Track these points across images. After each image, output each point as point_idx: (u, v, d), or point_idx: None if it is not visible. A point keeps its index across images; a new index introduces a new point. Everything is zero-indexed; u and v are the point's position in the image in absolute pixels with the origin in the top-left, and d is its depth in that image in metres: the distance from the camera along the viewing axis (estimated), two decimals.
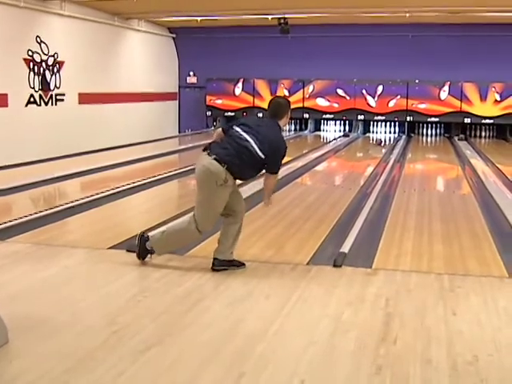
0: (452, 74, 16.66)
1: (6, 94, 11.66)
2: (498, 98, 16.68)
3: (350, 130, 18.05)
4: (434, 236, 6.08)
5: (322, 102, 17.85)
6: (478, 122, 17.07)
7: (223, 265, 4.82)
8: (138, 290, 4.53)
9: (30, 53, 12.31)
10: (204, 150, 4.80)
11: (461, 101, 16.91)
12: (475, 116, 16.89)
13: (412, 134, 17.65)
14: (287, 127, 18.06)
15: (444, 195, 8.83)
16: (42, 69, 12.67)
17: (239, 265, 4.90)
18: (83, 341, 3.51)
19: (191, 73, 19.03)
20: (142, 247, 4.93)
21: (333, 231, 6.22)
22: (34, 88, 12.46)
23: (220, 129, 5.07)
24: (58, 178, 9.29)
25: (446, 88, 16.99)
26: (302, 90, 17.89)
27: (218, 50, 17.84)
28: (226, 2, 14.01)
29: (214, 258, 4.84)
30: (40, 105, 12.68)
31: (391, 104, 17.41)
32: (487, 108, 16.77)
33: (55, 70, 13.12)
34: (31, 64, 12.36)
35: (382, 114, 17.59)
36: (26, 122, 12.17)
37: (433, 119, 17.31)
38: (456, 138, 16.71)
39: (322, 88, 17.80)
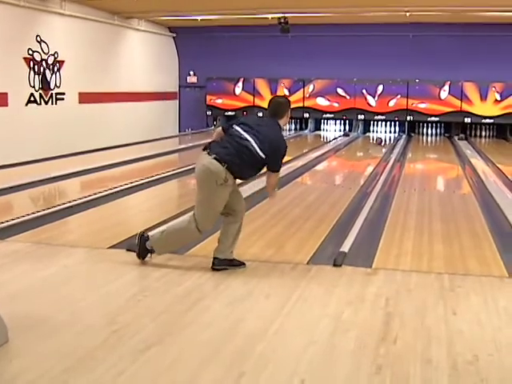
0: (452, 74, 16.66)
1: (6, 93, 11.66)
2: (499, 98, 16.67)
3: (350, 130, 18.05)
4: (435, 236, 6.08)
5: (322, 102, 17.85)
6: (478, 121, 17.06)
7: (223, 264, 4.82)
8: (138, 289, 4.52)
9: (31, 52, 12.31)
10: (204, 150, 4.79)
11: (461, 100, 16.91)
12: (475, 116, 16.88)
13: (412, 134, 17.65)
14: (287, 126, 18.05)
15: (444, 195, 8.82)
16: (42, 68, 12.66)
17: (239, 264, 4.89)
18: (83, 340, 3.51)
19: (191, 72, 19.03)
20: (141, 247, 4.93)
21: (333, 231, 6.22)
22: (34, 87, 12.46)
23: (220, 128, 5.06)
24: (58, 177, 9.28)
25: (447, 87, 16.98)
26: (302, 90, 17.89)
27: (218, 50, 17.84)
28: (227, 2, 14.01)
29: (214, 258, 4.84)
30: (40, 104, 12.68)
31: (391, 103, 17.40)
32: (487, 108, 16.77)
33: (55, 69, 13.12)
34: (31, 63, 12.35)
35: (382, 114, 17.59)
36: (26, 121, 12.17)
37: (433, 119, 17.31)
38: (456, 138, 16.70)
39: (322, 87, 17.80)
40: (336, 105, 17.78)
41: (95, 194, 7.91)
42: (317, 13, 14.97)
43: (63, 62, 13.33)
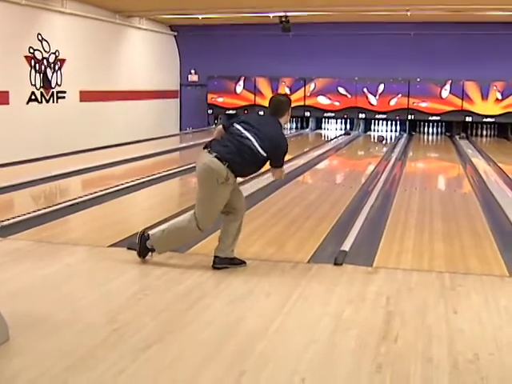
0: (453, 73, 16.64)
1: (7, 92, 11.67)
2: (500, 97, 16.66)
3: (351, 129, 18.05)
4: (435, 234, 6.08)
5: (323, 100, 17.84)
6: (479, 120, 17.05)
7: (224, 263, 4.82)
8: (139, 287, 4.53)
9: (32, 50, 12.32)
10: (205, 148, 4.79)
11: (462, 99, 16.89)
12: (476, 115, 16.87)
13: (413, 133, 17.64)
14: (288, 125, 18.05)
15: (445, 194, 8.82)
16: (43, 66, 12.67)
17: (240, 263, 4.90)
18: (84, 339, 3.51)
19: (192, 71, 19.02)
20: (142, 246, 4.93)
21: (334, 229, 6.22)
22: (35, 85, 12.47)
23: (220, 126, 5.06)
24: (59, 175, 9.28)
25: (448, 86, 16.97)
26: (303, 88, 17.88)
27: (219, 48, 17.84)
28: (228, 0, 14.01)
29: (215, 256, 4.84)
30: (41, 102, 12.69)
31: (392, 102, 17.39)
32: (488, 107, 16.76)
33: (56, 67, 13.13)
34: (32, 61, 12.36)
35: (383, 113, 17.57)
36: (27, 120, 12.18)
37: (434, 118, 17.30)
38: (457, 137, 16.69)
39: (323, 86, 17.80)
40: (337, 103, 17.77)
41: (96, 192, 7.91)
42: (318, 11, 14.96)
43: (64, 60, 13.34)
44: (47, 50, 12.77)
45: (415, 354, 3.33)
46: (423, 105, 17.17)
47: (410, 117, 17.41)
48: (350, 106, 17.67)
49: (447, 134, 17.43)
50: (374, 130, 18.03)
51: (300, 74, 17.77)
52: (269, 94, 16.84)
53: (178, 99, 19.28)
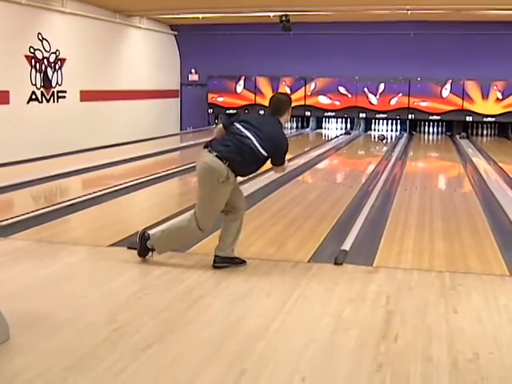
0: (454, 72, 16.64)
1: (7, 91, 11.67)
2: (500, 97, 16.66)
3: (351, 128, 18.05)
4: (435, 234, 6.08)
5: (323, 100, 17.84)
6: (479, 120, 17.05)
7: (224, 262, 4.83)
8: (139, 287, 4.53)
9: (32, 50, 12.32)
10: (205, 148, 4.79)
11: (462, 99, 16.89)
12: (477, 114, 16.87)
13: (414, 132, 17.63)
14: (289, 125, 18.06)
15: (445, 193, 8.82)
16: (43, 66, 12.68)
17: (240, 262, 4.90)
18: (84, 338, 3.52)
19: (193, 70, 19.02)
20: (142, 246, 4.93)
21: (334, 229, 6.22)
22: (35, 85, 12.48)
23: (221, 125, 5.07)
24: (59, 175, 9.28)
25: (448, 86, 16.97)
26: (303, 88, 17.87)
27: (219, 48, 17.84)
28: (228, 0, 14.01)
29: (215, 256, 4.84)
30: (42, 102, 12.69)
31: (393, 102, 17.39)
32: (489, 106, 16.76)
33: (57, 67, 13.13)
34: (33, 61, 12.37)
35: (383, 112, 17.57)
36: (27, 120, 12.19)
37: (434, 117, 17.29)
38: (458, 136, 16.69)
39: (323, 86, 17.79)
40: (337, 103, 17.77)
41: (96, 192, 7.92)
42: (318, 11, 14.96)
43: (65, 59, 13.34)
44: (47, 49, 12.77)
45: (415, 353, 3.34)
46: (424, 104, 17.16)
47: (410, 116, 17.40)
48: (350, 105, 17.67)
49: (448, 133, 17.43)
50: (375, 130, 18.03)
51: (300, 74, 17.77)
52: (269, 94, 16.79)
53: (179, 99, 19.28)
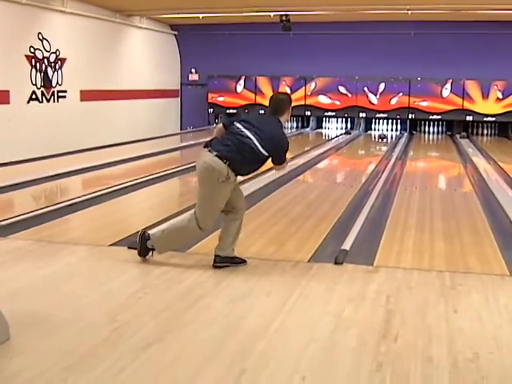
0: (454, 72, 16.64)
1: (7, 91, 11.68)
2: (500, 96, 16.65)
3: (351, 128, 18.05)
4: (436, 234, 6.07)
5: (323, 100, 17.84)
6: (479, 119, 17.05)
7: (224, 262, 4.83)
8: (139, 286, 4.52)
9: (32, 49, 12.33)
10: (205, 147, 4.79)
11: (463, 98, 16.89)
12: (477, 114, 16.86)
13: (414, 132, 17.64)
14: (289, 124, 18.08)
15: (445, 193, 8.82)
16: (43, 66, 12.68)
17: (240, 262, 4.90)
18: (84, 338, 3.52)
19: (193, 70, 19.03)
20: (143, 246, 4.93)
21: (334, 229, 6.22)
22: (35, 85, 12.48)
23: (221, 124, 5.07)
24: (59, 174, 9.28)
25: (448, 86, 16.96)
26: (303, 88, 17.87)
27: (219, 48, 17.84)
28: (228, 0, 14.02)
29: (216, 255, 4.84)
30: (42, 102, 12.69)
31: (393, 101, 17.39)
32: (489, 106, 16.75)
33: (57, 66, 13.13)
34: (33, 61, 12.37)
35: (383, 112, 17.57)
36: (27, 119, 12.19)
37: (435, 117, 17.29)
38: (458, 136, 16.69)
39: (323, 85, 17.79)
40: (338, 103, 17.77)
41: (97, 191, 7.91)
42: (319, 11, 14.96)
43: (65, 59, 13.34)
44: (48, 49, 12.78)
45: (415, 352, 3.34)
46: (424, 104, 17.16)
47: (410, 116, 17.40)
48: (350, 105, 17.67)
49: (448, 133, 17.43)
50: (375, 129, 18.03)
51: (300, 73, 17.77)
52: (269, 93, 16.70)
53: (179, 98, 19.29)
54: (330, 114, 18.01)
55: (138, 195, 8.18)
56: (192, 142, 14.29)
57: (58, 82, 13.16)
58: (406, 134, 17.16)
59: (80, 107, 13.91)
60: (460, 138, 16.43)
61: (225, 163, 4.63)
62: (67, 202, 7.28)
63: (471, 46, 16.53)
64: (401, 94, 17.29)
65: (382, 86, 17.43)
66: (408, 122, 17.67)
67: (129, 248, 5.26)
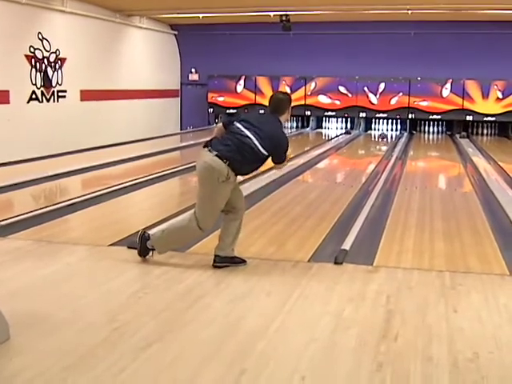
0: (454, 72, 16.64)
1: (7, 91, 11.67)
2: (500, 96, 16.65)
3: (351, 128, 18.05)
4: (436, 234, 6.07)
5: (323, 100, 17.84)
6: (479, 119, 17.05)
7: (224, 261, 4.82)
8: (139, 286, 4.52)
9: (32, 49, 12.32)
10: (205, 147, 4.79)
11: (463, 98, 16.89)
12: (477, 113, 16.86)
13: (414, 132, 17.64)
14: (289, 124, 18.08)
15: (445, 193, 8.82)
16: (43, 65, 12.68)
17: (240, 262, 4.90)
18: (84, 338, 3.52)
19: (193, 70, 19.03)
20: (143, 246, 4.92)
21: (334, 228, 6.22)
22: (35, 85, 12.47)
23: (220, 124, 5.06)
24: (59, 174, 9.28)
25: (448, 85, 16.96)
26: (303, 88, 17.87)
27: (219, 47, 17.84)
28: None
29: (215, 255, 4.84)
30: (42, 102, 12.69)
31: (393, 101, 17.39)
32: (489, 106, 16.75)
33: (57, 66, 13.13)
34: (33, 61, 12.36)
35: (383, 112, 17.57)
36: (27, 119, 12.19)
37: (435, 117, 17.29)
38: (458, 136, 16.69)
39: (323, 85, 17.79)
40: (338, 102, 17.76)
41: (96, 191, 7.91)
42: (319, 10, 14.96)
43: (65, 59, 13.34)
44: (48, 49, 12.77)
45: (415, 352, 3.33)
46: (424, 104, 17.16)
47: (410, 116, 17.40)
48: (350, 104, 17.66)
49: (448, 132, 17.43)
50: (375, 129, 18.03)
51: (300, 73, 17.77)
52: (269, 93, 16.58)
53: (179, 98, 19.28)
54: (329, 113, 18.01)
55: (137, 195, 8.17)
56: (192, 142, 14.27)
57: (57, 82, 13.16)
58: (405, 134, 17.15)
59: (80, 107, 13.91)
60: (460, 137, 16.43)
61: (225, 163, 4.63)
62: (67, 202, 7.27)
63: (471, 45, 16.53)
64: (401, 93, 17.29)
65: (382, 86, 17.43)
66: (408, 121, 17.66)
67: (128, 248, 5.25)
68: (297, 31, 16.41)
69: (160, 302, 4.11)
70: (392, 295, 4.25)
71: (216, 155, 4.65)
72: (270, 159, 4.92)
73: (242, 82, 18.25)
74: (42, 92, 12.65)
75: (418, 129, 17.82)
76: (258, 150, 4.72)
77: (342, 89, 17.66)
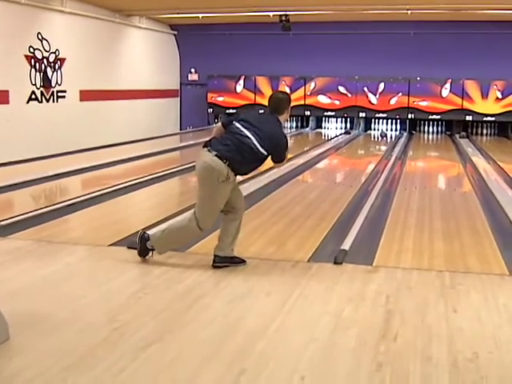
0: (453, 72, 16.64)
1: (7, 91, 11.67)
2: (500, 96, 16.66)
3: (351, 128, 18.05)
4: (435, 233, 6.08)
5: (323, 100, 17.84)
6: (479, 119, 17.06)
7: (224, 262, 4.82)
8: (139, 286, 4.52)
9: (32, 49, 12.32)
10: (204, 147, 4.79)
11: (462, 98, 16.90)
12: (477, 113, 16.87)
13: (413, 132, 17.64)
14: (288, 124, 18.08)
15: (445, 193, 8.82)
16: (43, 66, 12.68)
17: (240, 262, 4.90)
18: (84, 338, 3.52)
19: (192, 70, 19.03)
20: (142, 246, 4.92)
21: (334, 228, 6.22)
22: (35, 85, 12.47)
23: (220, 124, 5.07)
24: (59, 174, 9.28)
25: (448, 85, 16.97)
26: (303, 88, 17.87)
27: (219, 47, 17.84)
28: None
29: (215, 255, 4.84)
30: (41, 102, 12.69)
31: (393, 101, 17.39)
32: (489, 106, 16.76)
33: (56, 66, 13.13)
34: (32, 61, 12.36)
35: (383, 112, 17.57)
36: (27, 119, 12.18)
37: (434, 117, 17.30)
38: (457, 136, 16.69)
39: (323, 85, 17.79)
40: (337, 102, 17.77)
41: (96, 191, 7.91)
42: (318, 10, 14.96)
43: (64, 59, 13.34)
44: (47, 49, 12.77)
45: (415, 352, 3.34)
46: (423, 104, 17.16)
47: (410, 116, 17.41)
48: (350, 104, 17.67)
49: (447, 132, 17.43)
50: (374, 129, 18.04)
51: (300, 73, 17.77)
52: (269, 93, 16.58)
53: (178, 98, 19.28)
54: (329, 113, 18.01)
55: (137, 195, 8.18)
56: (191, 142, 14.27)
57: (57, 82, 13.16)
58: (405, 134, 17.16)
59: (79, 107, 13.91)
60: (459, 137, 16.43)
61: (224, 163, 4.63)
62: (67, 202, 7.28)
63: (471, 45, 16.53)
64: (400, 93, 17.30)
65: (381, 86, 17.43)
66: (407, 121, 17.67)
67: (128, 248, 5.26)
68: (296, 31, 16.41)
69: (160, 302, 4.11)
70: (391, 295, 4.25)
71: (215, 155, 4.65)
72: (269, 158, 4.92)
73: (241, 82, 18.25)
74: (41, 92, 12.65)
75: (417, 129, 17.83)
76: (258, 149, 4.72)
77: (341, 89, 17.67)
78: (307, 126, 18.44)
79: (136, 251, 4.98)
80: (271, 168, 8.64)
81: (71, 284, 4.52)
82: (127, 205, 7.82)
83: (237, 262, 4.88)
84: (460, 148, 14.17)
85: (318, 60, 17.37)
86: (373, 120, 18.02)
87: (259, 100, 17.68)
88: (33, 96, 12.41)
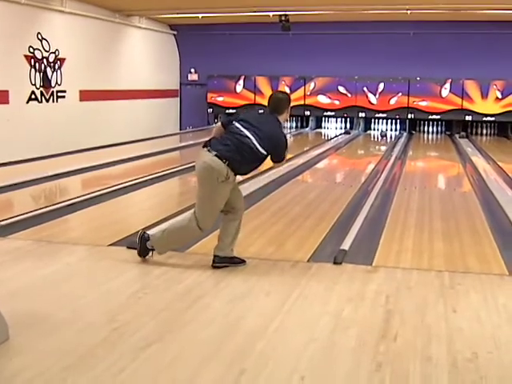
0: (453, 72, 16.65)
1: (7, 91, 11.67)
2: (500, 96, 16.66)
3: (351, 128, 18.05)
4: (435, 233, 6.08)
5: (323, 100, 17.84)
6: (479, 119, 17.06)
7: (224, 262, 4.83)
8: (139, 287, 4.53)
9: (31, 49, 12.32)
10: (204, 147, 4.79)
11: (462, 98, 16.90)
12: (476, 113, 16.87)
13: (413, 132, 17.64)
14: (288, 124, 18.08)
15: (445, 193, 8.82)
16: (43, 66, 12.68)
17: (239, 262, 4.90)
18: (84, 338, 3.52)
19: (192, 70, 19.03)
20: (142, 247, 4.93)
21: (333, 228, 6.22)
22: (35, 85, 12.47)
23: (219, 124, 5.07)
24: (59, 174, 9.28)
25: (448, 85, 16.97)
26: (303, 87, 17.87)
27: (219, 47, 17.84)
28: None
29: (215, 255, 4.84)
30: (41, 102, 12.69)
31: (392, 101, 17.39)
32: (488, 105, 16.76)
33: (56, 66, 13.13)
34: (32, 61, 12.36)
35: (383, 112, 17.57)
36: (27, 119, 12.19)
37: (434, 117, 17.30)
38: (457, 136, 16.70)
39: (323, 85, 17.79)
40: (337, 102, 17.77)
41: (96, 191, 7.91)
42: (318, 10, 14.96)
43: (64, 59, 13.34)
44: (47, 49, 12.77)
45: (414, 352, 3.34)
46: (423, 104, 17.17)
47: (409, 116, 17.41)
48: (349, 104, 17.67)
49: (447, 132, 17.44)
50: (374, 129, 18.04)
51: (300, 73, 17.77)
52: (269, 93, 16.60)
53: (178, 98, 19.29)
54: (329, 113, 18.01)
55: (137, 195, 8.18)
56: (191, 142, 14.27)
57: (57, 82, 13.16)
58: (405, 134, 17.16)
59: (79, 107, 13.91)
60: (459, 137, 16.43)
61: (224, 163, 4.64)
62: (66, 202, 7.28)
63: (470, 45, 16.54)
64: (400, 93, 17.30)
65: (381, 86, 17.44)
66: (407, 121, 17.67)
67: (128, 248, 5.26)
68: (296, 31, 16.41)
69: (159, 302, 4.11)
70: (391, 295, 4.26)
71: (215, 155, 4.66)
72: (268, 158, 4.93)
73: (241, 82, 18.25)
74: (41, 92, 12.65)
75: (417, 129, 17.83)
76: (257, 149, 4.72)
77: (341, 89, 17.67)
78: (307, 126, 18.44)
79: (136, 251, 4.99)
80: (271, 168, 8.64)
81: (71, 284, 4.52)
82: (127, 205, 7.82)
83: (236, 262, 4.88)
84: (460, 148, 14.17)
85: (317, 60, 17.38)
86: (372, 120, 18.02)
87: (259, 100, 17.69)
88: (33, 96, 12.42)
